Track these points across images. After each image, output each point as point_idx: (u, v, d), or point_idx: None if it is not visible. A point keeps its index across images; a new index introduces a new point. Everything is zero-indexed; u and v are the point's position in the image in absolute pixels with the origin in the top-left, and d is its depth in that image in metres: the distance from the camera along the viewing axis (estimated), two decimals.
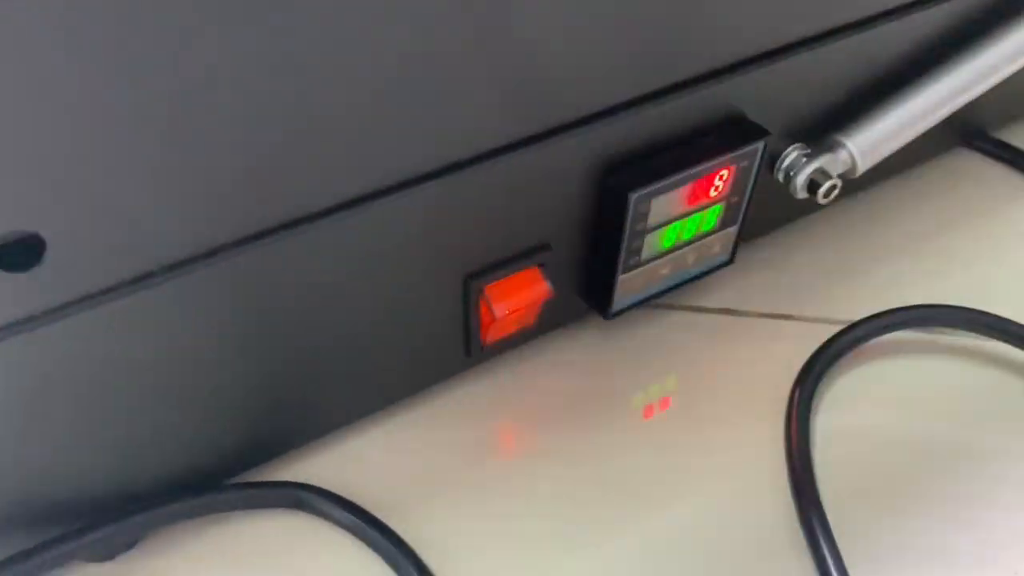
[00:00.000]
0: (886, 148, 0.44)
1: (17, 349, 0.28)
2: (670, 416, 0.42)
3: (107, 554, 0.35)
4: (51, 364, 0.29)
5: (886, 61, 0.43)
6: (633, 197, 0.37)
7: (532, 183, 0.36)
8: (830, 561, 0.35)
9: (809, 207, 0.49)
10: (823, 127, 0.44)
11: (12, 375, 0.29)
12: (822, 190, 0.42)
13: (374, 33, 0.27)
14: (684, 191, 0.39)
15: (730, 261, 0.45)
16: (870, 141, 0.43)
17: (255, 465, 0.39)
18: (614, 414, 0.42)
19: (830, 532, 0.36)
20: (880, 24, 0.42)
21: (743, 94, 0.39)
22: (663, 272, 0.42)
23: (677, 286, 0.44)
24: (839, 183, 0.43)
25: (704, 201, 0.40)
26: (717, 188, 0.40)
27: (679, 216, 0.40)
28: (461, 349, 0.40)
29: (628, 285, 0.41)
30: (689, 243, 0.42)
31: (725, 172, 0.40)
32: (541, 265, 0.39)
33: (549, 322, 0.43)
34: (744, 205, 0.42)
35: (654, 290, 0.43)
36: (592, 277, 0.42)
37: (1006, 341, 0.43)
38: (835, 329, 0.43)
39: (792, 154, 0.43)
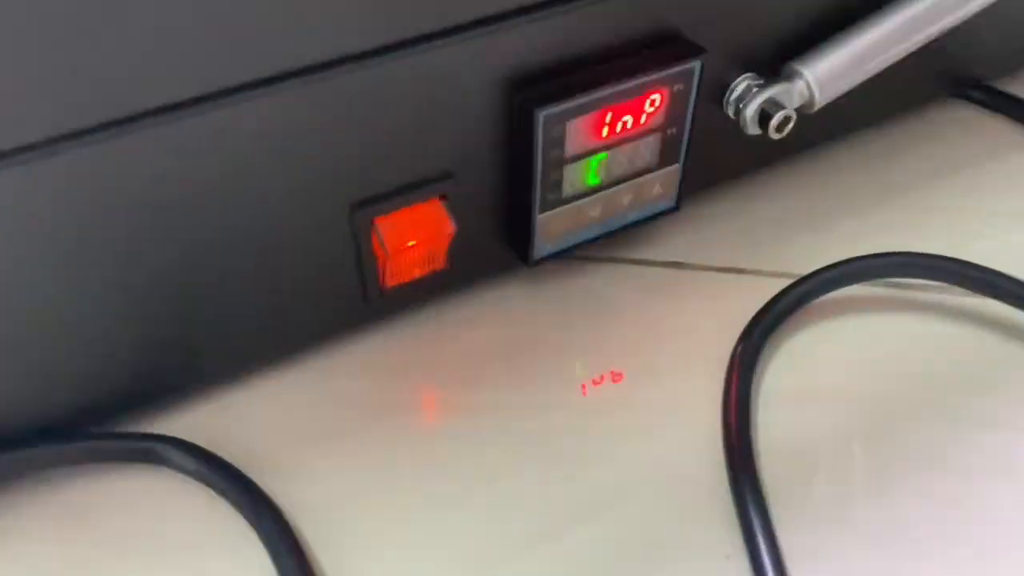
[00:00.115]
0: (848, 79, 0.39)
1: None
2: (600, 373, 0.37)
3: None
4: None
5: None
6: (542, 115, 0.33)
7: (426, 96, 0.31)
8: (758, 529, 0.30)
9: (772, 154, 0.44)
10: (779, 56, 0.39)
11: None
12: (773, 121, 0.37)
13: None
14: (606, 115, 0.34)
15: (676, 207, 0.40)
16: (830, 70, 0.38)
17: (124, 415, 0.35)
18: (535, 371, 0.37)
19: (761, 498, 0.31)
20: None
21: (679, 8, 0.35)
22: (593, 214, 0.38)
23: (614, 233, 0.39)
24: (793, 115, 0.38)
25: (634, 130, 0.36)
26: (649, 115, 0.36)
27: (604, 146, 0.35)
28: (357, 294, 0.36)
29: (551, 227, 0.37)
30: (622, 181, 0.37)
31: (656, 96, 0.35)
32: (443, 197, 0.34)
33: (468, 271, 0.38)
34: (685, 139, 0.38)
35: (586, 236, 0.39)
36: (511, 217, 0.37)
37: (986, 294, 0.38)
38: None
39: (742, 84, 0.38)
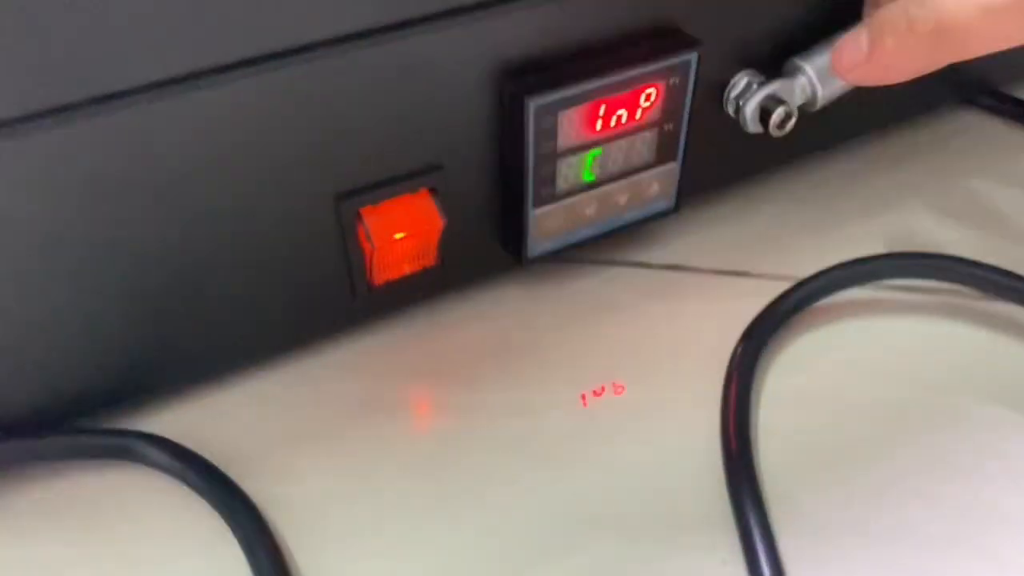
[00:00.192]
0: None
1: None
2: (596, 376, 0.36)
3: None
4: None
5: None
6: (533, 105, 0.32)
7: (414, 83, 0.31)
8: (756, 534, 0.29)
9: (776, 156, 0.43)
10: (780, 52, 0.38)
11: None
12: (774, 118, 0.36)
13: None
14: (600, 107, 0.33)
15: (675, 209, 0.39)
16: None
17: (103, 412, 0.34)
18: (528, 373, 0.36)
19: (760, 503, 0.30)
20: None
21: (677, 2, 0.34)
22: (589, 212, 0.37)
23: (612, 234, 0.38)
24: (794, 111, 0.37)
25: (629, 125, 0.35)
26: (644, 109, 0.35)
27: (598, 140, 0.34)
28: (345, 291, 0.35)
29: (545, 224, 0.36)
30: (618, 178, 0.36)
31: (652, 90, 0.34)
32: (432, 190, 0.33)
33: (461, 270, 0.37)
34: (682, 136, 0.37)
35: (583, 236, 0.38)
36: (504, 213, 0.36)
37: (991, 294, 0.37)
38: None
39: (742, 81, 0.38)
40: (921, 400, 0.34)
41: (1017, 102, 0.48)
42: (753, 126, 0.37)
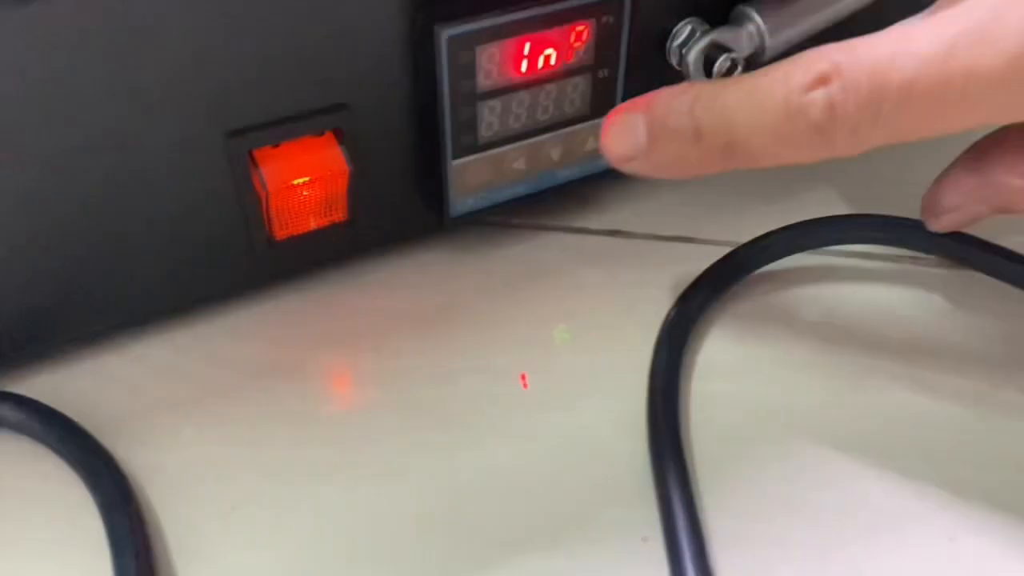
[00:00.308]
0: (804, 26, 0.35)
1: None
2: (522, 344, 0.33)
3: None
4: None
5: None
6: (445, 35, 0.29)
7: (313, 5, 0.28)
8: (678, 511, 0.25)
9: None
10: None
11: None
12: (717, 67, 0.34)
13: None
14: (524, 44, 0.30)
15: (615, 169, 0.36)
16: (783, 13, 0.35)
17: None
18: (447, 340, 0.33)
19: (685, 475, 0.27)
20: None
21: None
22: (517, 166, 0.34)
23: (547, 195, 0.35)
24: (740, 60, 0.34)
25: (558, 67, 0.32)
26: (574, 50, 0.32)
27: (524, 82, 0.32)
28: (242, 247, 0.32)
29: (468, 177, 0.33)
30: (549, 128, 0.33)
31: (582, 27, 0.31)
32: (337, 132, 0.30)
33: (378, 228, 0.34)
34: (619, 84, 0.34)
35: (512, 193, 0.35)
36: (422, 164, 0.33)
37: (943, 255, 0.34)
38: None
39: (686, 29, 0.35)
40: (870, 368, 0.31)
41: None
42: (696, 76, 0.34)
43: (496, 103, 0.32)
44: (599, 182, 0.36)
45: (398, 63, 0.30)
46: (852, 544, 0.26)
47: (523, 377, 0.32)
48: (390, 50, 0.30)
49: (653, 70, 0.35)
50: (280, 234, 0.32)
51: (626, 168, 0.28)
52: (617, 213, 0.38)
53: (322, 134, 0.30)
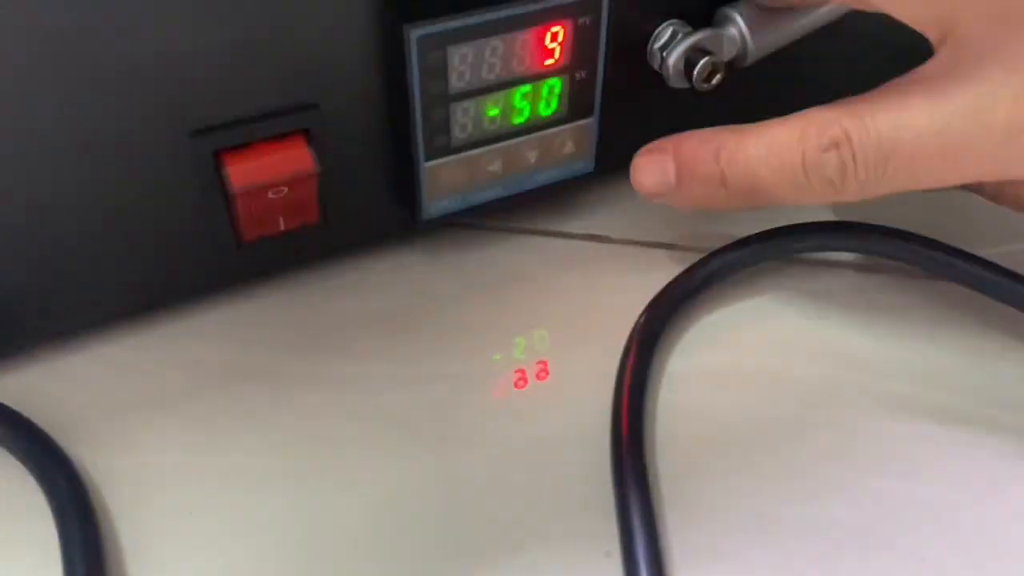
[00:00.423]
0: (788, 28, 0.34)
1: None
2: (493, 349, 0.32)
3: None
4: None
5: None
6: (415, 35, 0.28)
7: (281, 3, 0.27)
8: (637, 527, 0.25)
9: (708, 117, 0.40)
10: (710, 1, 0.34)
11: None
12: (697, 70, 0.33)
13: None
14: (498, 44, 0.30)
15: (594, 171, 0.36)
16: (766, 16, 0.34)
17: None
18: (419, 344, 0.32)
19: (645, 488, 0.26)
20: None
21: None
22: (493, 169, 0.33)
23: (524, 198, 0.35)
24: (721, 64, 0.33)
25: (534, 68, 0.31)
26: (551, 51, 0.31)
27: (499, 84, 0.31)
28: (209, 248, 0.31)
29: (442, 179, 0.32)
30: (525, 131, 0.33)
31: (558, 28, 0.31)
32: (306, 133, 0.30)
33: (350, 231, 0.34)
34: (598, 87, 0.33)
35: (488, 196, 0.34)
36: (395, 165, 0.33)
37: (926, 268, 0.33)
38: None
39: (667, 31, 0.34)
40: (843, 381, 0.31)
41: None
42: (677, 79, 0.34)
43: (470, 104, 0.31)
44: (577, 185, 0.35)
45: (368, 63, 0.30)
46: (819, 563, 0.26)
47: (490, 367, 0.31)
48: (360, 49, 0.29)
49: (633, 72, 0.34)
50: (248, 236, 0.31)
51: (656, 201, 0.32)
52: (595, 217, 0.37)
53: (291, 134, 0.30)
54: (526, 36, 0.30)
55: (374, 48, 0.29)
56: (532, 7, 0.30)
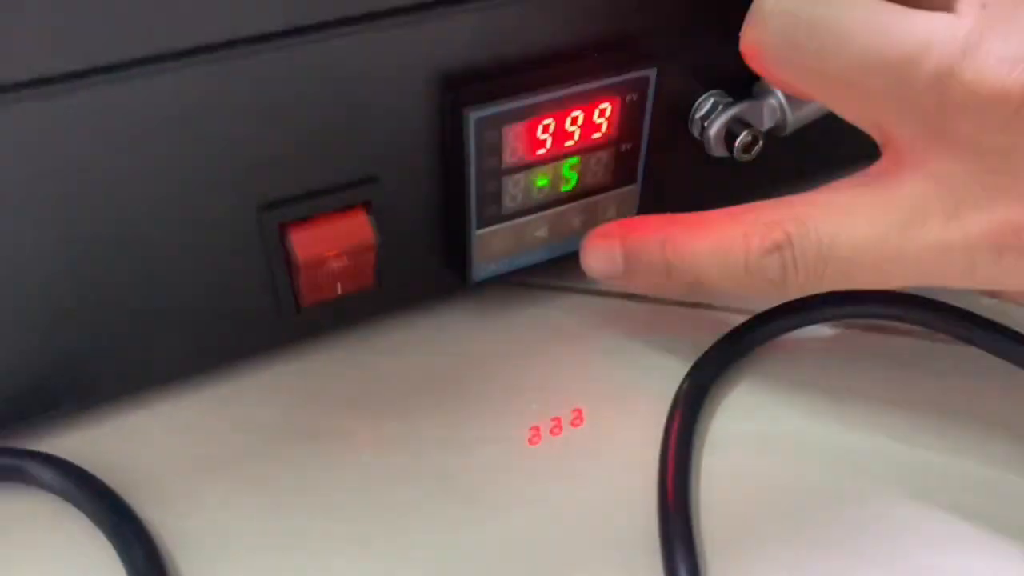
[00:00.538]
0: None
1: None
2: (539, 410, 0.33)
3: None
4: None
5: None
6: (474, 118, 0.30)
7: (346, 87, 0.28)
8: None
9: (747, 182, 0.41)
10: (751, 74, 0.35)
11: None
12: (738, 142, 0.34)
13: None
14: (550, 123, 0.31)
15: None
16: None
17: (4, 430, 0.31)
18: (468, 404, 0.34)
19: (693, 558, 0.27)
20: None
21: (638, 13, 0.32)
22: (540, 235, 0.35)
23: (567, 259, 0.36)
24: (761, 135, 0.35)
25: (582, 142, 0.32)
26: (599, 127, 0.32)
27: (548, 157, 0.32)
28: (271, 311, 0.32)
29: (491, 245, 0.34)
30: (571, 199, 0.34)
31: (607, 105, 0.32)
32: (367, 204, 0.31)
33: (401, 293, 0.35)
34: (642, 156, 0.34)
35: (534, 259, 0.35)
36: (447, 232, 0.34)
37: (968, 342, 0.34)
38: None
39: (708, 102, 0.35)
40: (886, 452, 0.32)
41: None
42: (718, 149, 0.35)
43: (520, 176, 0.32)
44: None
45: (427, 140, 0.31)
46: None
47: (536, 429, 0.33)
48: (420, 128, 0.31)
49: (674, 140, 0.36)
50: (307, 301, 0.32)
51: (605, 283, 0.34)
52: None
53: (352, 206, 0.31)
54: (576, 114, 0.31)
55: (433, 127, 0.31)
56: (583, 87, 0.31)
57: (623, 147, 0.34)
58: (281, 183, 0.30)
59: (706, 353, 0.34)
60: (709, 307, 0.38)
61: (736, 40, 0.30)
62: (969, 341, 0.34)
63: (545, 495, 0.31)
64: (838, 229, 0.27)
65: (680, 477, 0.29)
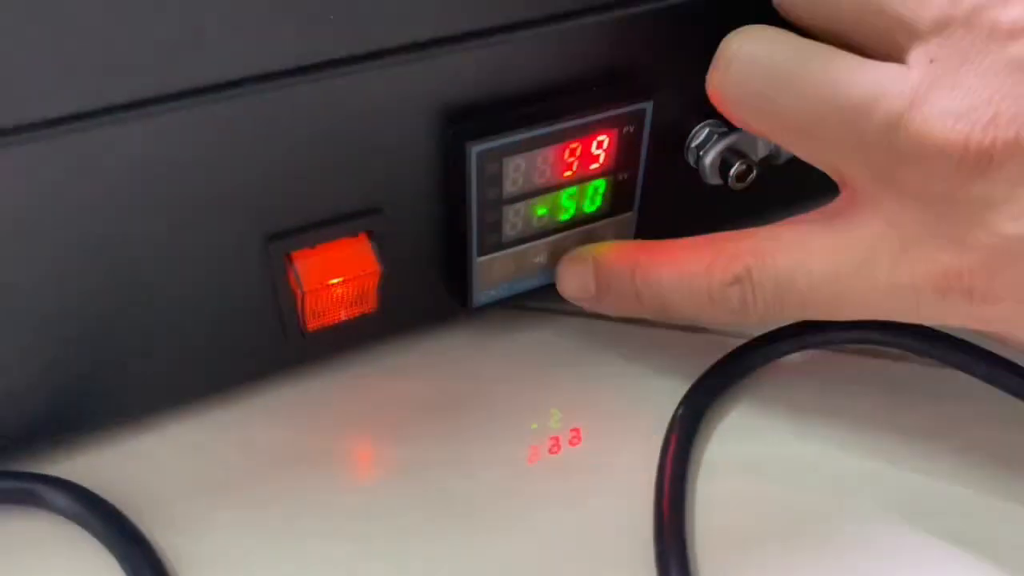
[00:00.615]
0: None
1: None
2: (539, 433, 0.34)
3: None
4: None
5: None
6: (475, 151, 0.30)
7: (350, 122, 0.29)
8: None
9: (741, 208, 0.42)
10: None
11: None
12: (733, 171, 0.35)
13: None
14: (549, 154, 0.32)
15: None
16: None
17: (15, 454, 0.32)
18: (469, 426, 0.34)
19: None
20: None
21: (633, 46, 0.33)
22: (539, 261, 0.35)
23: None
24: (755, 165, 0.35)
25: (580, 173, 0.33)
26: (596, 157, 0.33)
27: (547, 187, 0.33)
28: (277, 335, 0.33)
29: (492, 272, 0.35)
30: (570, 227, 0.35)
31: (604, 137, 0.33)
32: (370, 233, 0.32)
33: (403, 317, 0.36)
34: (638, 185, 0.35)
35: (533, 284, 0.36)
36: (448, 259, 0.35)
37: (966, 371, 0.35)
38: None
39: (703, 131, 0.36)
40: (882, 477, 0.32)
41: None
42: (713, 178, 0.36)
43: (520, 206, 0.33)
44: None
45: (429, 171, 0.32)
46: None
47: (535, 449, 0.33)
48: (422, 161, 0.31)
49: (670, 169, 0.36)
50: (311, 326, 0.33)
51: (579, 305, 0.35)
52: None
53: (356, 235, 0.32)
54: (575, 146, 0.32)
55: (436, 159, 0.31)
56: (581, 120, 0.32)
57: (620, 177, 0.34)
58: (288, 215, 0.30)
59: (702, 377, 0.34)
60: (706, 331, 0.38)
61: None
62: (969, 371, 0.34)
63: (543, 515, 0.31)
64: (797, 263, 0.29)
65: (676, 502, 0.30)
